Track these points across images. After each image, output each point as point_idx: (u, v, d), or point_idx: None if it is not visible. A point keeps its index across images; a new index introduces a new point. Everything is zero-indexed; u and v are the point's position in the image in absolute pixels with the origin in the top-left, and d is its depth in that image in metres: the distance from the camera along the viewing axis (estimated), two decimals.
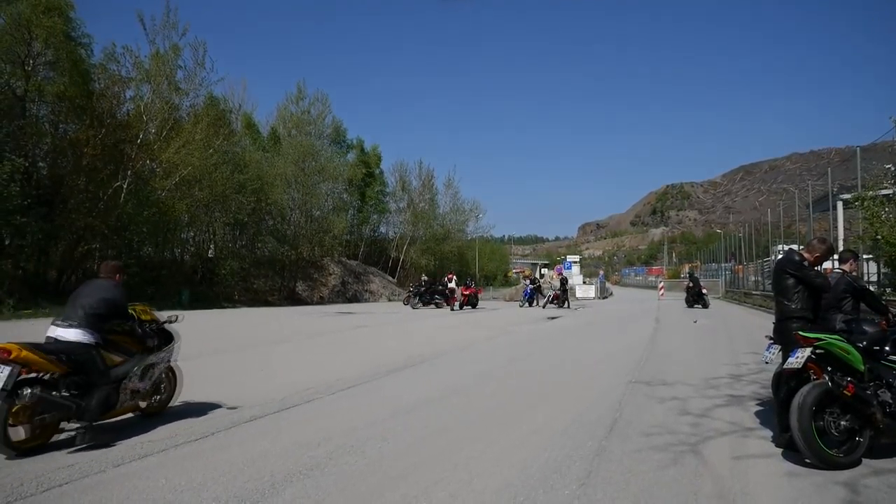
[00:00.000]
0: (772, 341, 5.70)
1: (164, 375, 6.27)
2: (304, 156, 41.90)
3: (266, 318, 23.60)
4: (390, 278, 51.86)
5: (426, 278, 34.99)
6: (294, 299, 39.12)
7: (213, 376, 9.05)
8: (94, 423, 5.11)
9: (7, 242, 24.21)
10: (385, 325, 20.29)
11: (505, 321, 21.96)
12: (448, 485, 4.19)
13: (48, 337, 5.23)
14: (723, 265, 56.24)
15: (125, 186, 27.97)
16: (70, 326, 5.23)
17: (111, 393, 5.32)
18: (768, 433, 5.68)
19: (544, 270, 72.10)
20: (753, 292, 36.93)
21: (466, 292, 30.06)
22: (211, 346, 12.95)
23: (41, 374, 4.96)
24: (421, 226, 57.40)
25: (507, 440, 5.40)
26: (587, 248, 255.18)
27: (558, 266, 61.24)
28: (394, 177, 59.17)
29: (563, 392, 7.91)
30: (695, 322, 20.70)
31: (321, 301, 40.25)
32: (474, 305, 30.44)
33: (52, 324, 5.33)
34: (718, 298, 44.55)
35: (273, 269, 40.21)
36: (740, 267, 46.91)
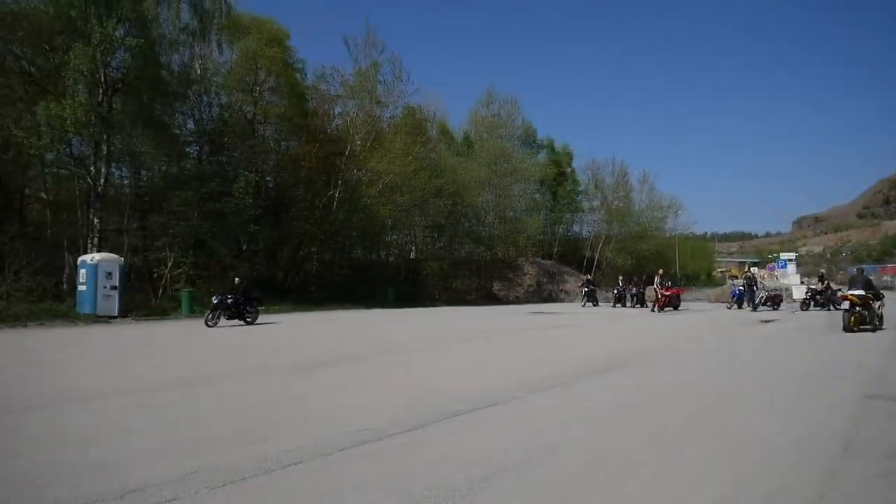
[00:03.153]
0: None
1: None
2: (496, 158, 42.88)
3: (467, 315, 24.38)
4: (583, 278, 51.01)
5: (623, 278, 34.19)
6: (491, 298, 40.05)
7: (419, 370, 9.46)
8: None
9: (244, 248, 27.76)
10: (583, 325, 19.90)
11: (712, 323, 20.51)
12: (661, 494, 3.92)
13: None
14: None
15: (337, 195, 30.71)
16: None
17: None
18: None
19: (754, 269, 66.33)
20: None
21: (667, 293, 28.43)
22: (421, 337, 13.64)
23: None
24: (616, 224, 55.81)
25: (717, 451, 4.92)
26: (804, 245, 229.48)
27: (770, 265, 56.09)
28: (586, 175, 58.29)
29: (781, 402, 7.01)
30: None
31: (517, 300, 40.73)
32: (676, 307, 28.70)
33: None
34: None
35: (470, 269, 41.58)
36: None
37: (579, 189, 57.87)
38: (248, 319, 17.70)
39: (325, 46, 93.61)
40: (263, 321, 18.72)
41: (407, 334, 15.30)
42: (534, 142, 52.91)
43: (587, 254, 55.43)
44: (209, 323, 16.58)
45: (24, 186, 23.67)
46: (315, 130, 30.65)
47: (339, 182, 31.17)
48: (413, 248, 39.39)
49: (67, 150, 22.81)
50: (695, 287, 56.72)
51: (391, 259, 38.37)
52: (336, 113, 33.47)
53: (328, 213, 30.54)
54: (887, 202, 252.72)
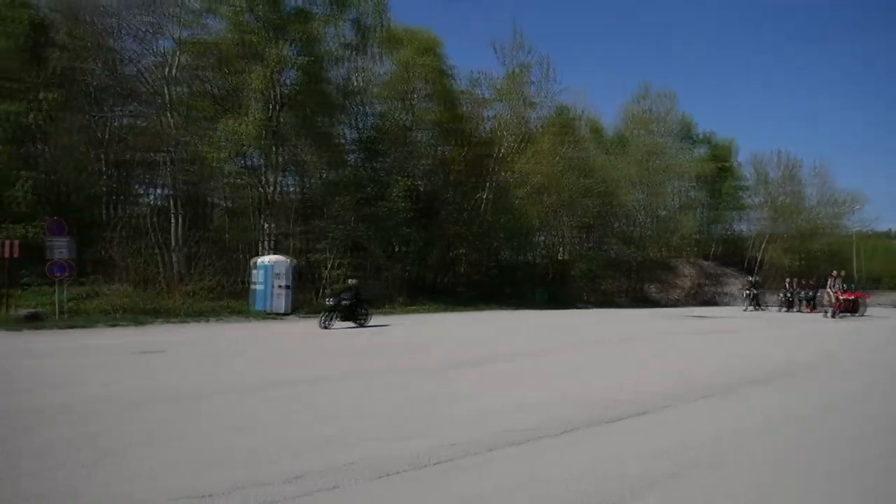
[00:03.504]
0: None
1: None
2: (648, 155, 41.27)
3: (617, 317, 23.74)
4: (747, 279, 47.70)
5: (790, 280, 31.75)
6: (643, 300, 38.73)
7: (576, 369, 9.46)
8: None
9: (397, 250, 29.00)
10: (744, 330, 18.70)
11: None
12: None
13: None
14: None
15: (486, 197, 31.14)
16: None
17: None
18: None
19: None
20: None
21: (846, 297, 25.83)
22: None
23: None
24: (782, 221, 51.49)
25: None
26: None
27: None
28: (750, 169, 54.31)
29: None
30: None
31: (675, 303, 39.08)
32: (854, 311, 26.03)
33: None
34: None
35: (620, 270, 40.43)
36: None
37: (742, 185, 54.08)
38: (360, 321, 17.47)
39: (476, 52, 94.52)
40: (394, 322, 19.30)
41: (554, 336, 15.22)
42: (692, 137, 50.17)
43: (749, 254, 51.74)
44: (324, 325, 16.58)
45: (208, 196, 26.40)
46: (466, 134, 31.22)
47: (488, 184, 31.55)
48: (561, 248, 39.00)
49: (243, 161, 25.11)
50: (878, 290, 50.98)
51: (539, 260, 38.26)
52: (487, 116, 33.89)
53: (477, 214, 31.07)
54: None
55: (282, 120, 24.80)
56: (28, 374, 8.85)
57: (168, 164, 23.67)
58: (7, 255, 18.07)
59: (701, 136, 52.04)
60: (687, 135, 49.24)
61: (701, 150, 49.90)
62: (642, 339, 15.28)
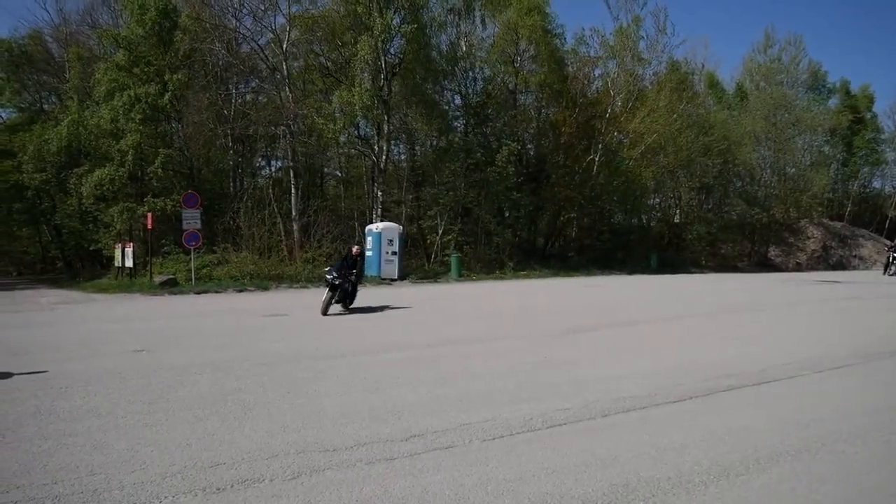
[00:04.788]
0: None
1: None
2: (774, 109, 38.49)
3: (737, 283, 22.64)
4: (888, 242, 43.80)
5: None
6: (766, 265, 36.58)
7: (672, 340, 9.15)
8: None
9: (507, 215, 28.95)
10: (880, 297, 17.21)
11: None
12: None
13: None
14: None
15: (597, 159, 30.32)
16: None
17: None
18: None
19: None
20: None
21: None
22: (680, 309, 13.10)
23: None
24: None
25: None
26: None
27: None
28: (891, 120, 49.49)
29: None
30: None
31: (798, 268, 36.64)
32: None
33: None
34: None
35: (742, 233, 38.25)
36: None
37: (881, 137, 49.41)
38: (348, 303, 12.15)
39: (587, 7, 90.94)
40: (505, 288, 19.20)
41: (669, 302, 14.66)
42: (823, 86, 46.22)
43: (891, 213, 47.45)
44: (324, 310, 11.66)
45: (324, 166, 27.48)
46: (574, 95, 30.39)
47: (599, 146, 30.65)
48: (678, 211, 37.35)
49: (356, 131, 25.84)
50: None
51: (653, 223, 36.91)
52: (596, 75, 32.84)
53: (588, 177, 30.32)
54: None
55: (392, 89, 25.23)
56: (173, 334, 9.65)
57: (287, 136, 24.80)
58: (149, 227, 19.79)
59: (834, 84, 47.81)
60: (818, 84, 45.44)
61: (834, 101, 45.90)
62: (770, 307, 14.44)
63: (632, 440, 4.40)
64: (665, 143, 31.33)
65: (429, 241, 27.04)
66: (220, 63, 25.13)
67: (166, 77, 22.20)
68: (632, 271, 28.43)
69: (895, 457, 4.16)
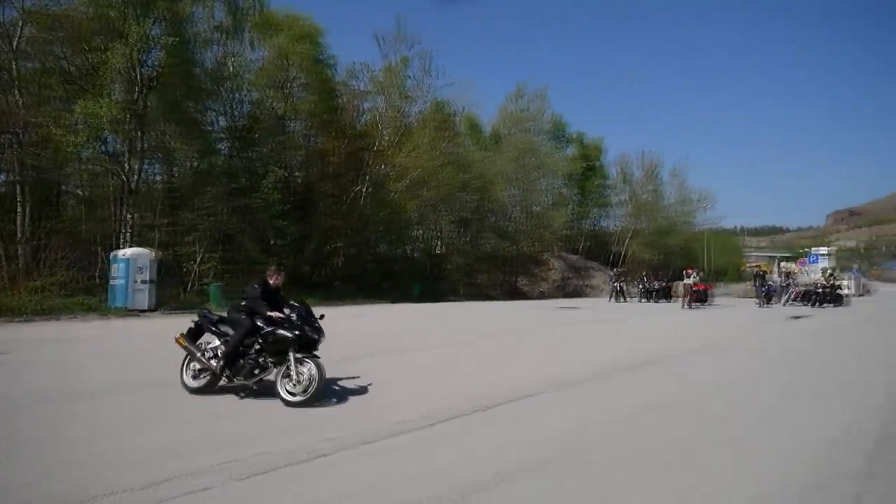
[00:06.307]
0: None
1: None
2: (522, 153, 42.66)
3: (493, 311, 24.47)
4: (611, 272, 50.79)
5: (647, 273, 34.41)
6: (516, 293, 40.08)
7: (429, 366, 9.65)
8: None
9: (272, 242, 28.19)
10: (613, 321, 20.01)
11: (741, 320, 20.58)
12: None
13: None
14: None
15: (364, 190, 30.97)
16: None
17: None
18: None
19: (784, 264, 65.28)
20: None
21: (695, 288, 28.58)
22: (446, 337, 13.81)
23: None
24: (644, 218, 55.42)
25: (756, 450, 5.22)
26: (837, 239, 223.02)
27: (801, 260, 55.31)
28: (615, 169, 57.89)
29: (820, 401, 7.36)
30: None
31: (542, 296, 40.72)
32: (703, 301, 28.80)
33: None
34: None
35: (494, 264, 41.57)
36: None
37: (607, 183, 57.50)
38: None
39: (360, 44, 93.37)
40: None
41: (436, 330, 15.40)
42: (563, 136, 52.55)
43: (614, 248, 55.14)
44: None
45: (61, 183, 24.29)
46: (343, 126, 30.85)
47: (367, 177, 31.37)
48: (439, 242, 39.54)
49: (103, 146, 23.39)
50: (722, 283, 56.13)
51: (416, 254, 38.57)
52: (365, 108, 33.66)
53: (355, 207, 30.79)
54: None
55: (148, 104, 23.34)
56: None
57: (14, 147, 21.54)
58: None
59: (572, 135, 54.61)
60: (559, 133, 51.54)
61: (571, 150, 52.41)
62: (526, 332, 15.92)
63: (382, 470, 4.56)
64: (428, 178, 33.02)
65: (185, 270, 25.23)
66: None
67: None
68: (396, 300, 29.28)
69: (621, 463, 4.70)
